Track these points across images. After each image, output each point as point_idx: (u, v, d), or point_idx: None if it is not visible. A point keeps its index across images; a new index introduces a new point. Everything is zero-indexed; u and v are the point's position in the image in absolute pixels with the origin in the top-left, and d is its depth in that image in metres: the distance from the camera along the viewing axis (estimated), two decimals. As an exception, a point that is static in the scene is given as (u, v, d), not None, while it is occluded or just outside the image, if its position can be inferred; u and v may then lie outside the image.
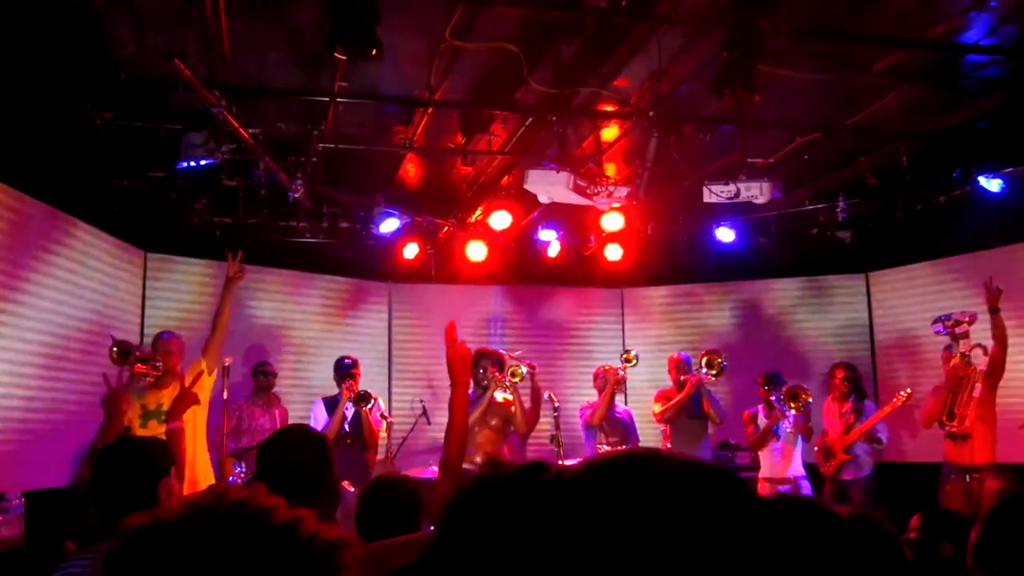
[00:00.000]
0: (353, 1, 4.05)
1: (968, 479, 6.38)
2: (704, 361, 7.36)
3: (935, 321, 7.04)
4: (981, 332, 6.70)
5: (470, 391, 6.40)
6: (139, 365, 5.45)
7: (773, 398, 7.28)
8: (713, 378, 7.34)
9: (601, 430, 7.20)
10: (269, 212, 7.71)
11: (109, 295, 7.14)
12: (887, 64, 5.86)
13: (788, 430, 7.25)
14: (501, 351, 6.80)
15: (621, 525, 0.74)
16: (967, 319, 6.69)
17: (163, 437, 4.69)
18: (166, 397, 5.39)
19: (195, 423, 5.55)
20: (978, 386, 6.51)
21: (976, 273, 7.77)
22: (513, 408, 6.46)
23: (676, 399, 7.33)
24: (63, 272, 6.45)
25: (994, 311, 6.48)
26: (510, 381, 6.51)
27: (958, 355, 6.58)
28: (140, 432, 5.26)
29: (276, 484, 2.46)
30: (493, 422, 6.45)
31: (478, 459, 6.43)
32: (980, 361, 6.54)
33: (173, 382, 5.57)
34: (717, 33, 4.86)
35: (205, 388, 5.66)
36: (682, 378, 7.48)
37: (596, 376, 7.53)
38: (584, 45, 5.32)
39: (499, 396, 6.48)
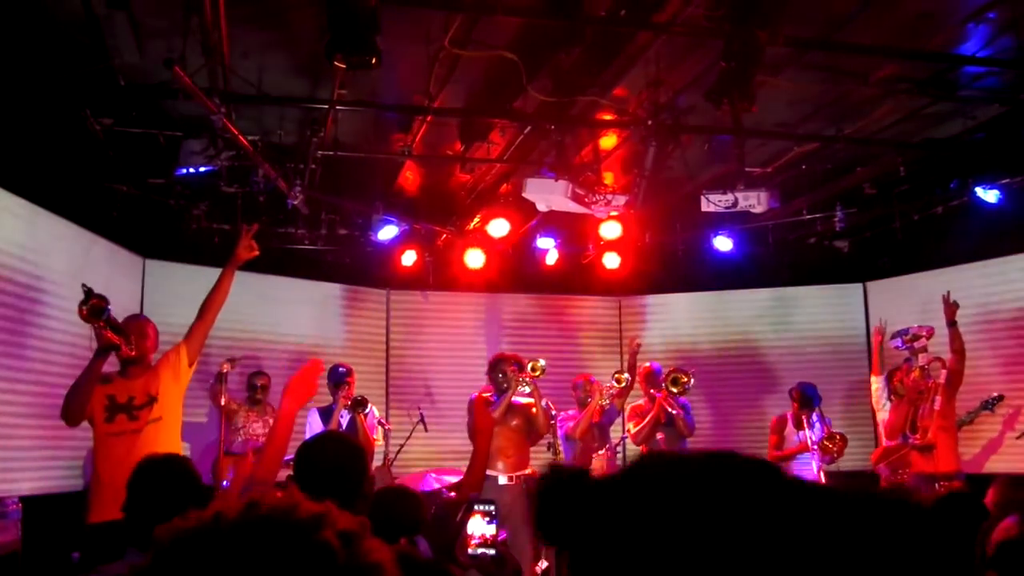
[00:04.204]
0: (353, 10, 4.07)
1: (937, 487, 6.46)
2: (670, 379, 7.34)
3: (894, 336, 7.09)
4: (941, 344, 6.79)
5: (491, 395, 6.48)
6: (111, 333, 4.51)
7: (809, 419, 7.24)
8: (676, 394, 7.32)
9: (582, 439, 7.21)
10: (268, 219, 7.71)
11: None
12: (885, 75, 5.89)
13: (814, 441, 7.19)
14: (519, 355, 6.78)
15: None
16: (925, 333, 6.77)
17: (132, 435, 4.49)
18: (139, 389, 4.63)
19: (173, 419, 4.75)
20: (938, 399, 6.62)
21: (973, 284, 7.80)
22: (534, 409, 6.46)
23: (646, 420, 7.32)
24: (61, 278, 6.44)
25: (951, 325, 6.58)
26: (530, 376, 6.49)
27: (917, 369, 6.65)
28: (105, 427, 4.55)
29: (313, 488, 2.47)
30: (514, 423, 6.45)
31: (499, 463, 6.41)
32: (938, 374, 6.64)
33: (146, 373, 4.73)
34: (715, 43, 4.88)
35: (183, 380, 4.82)
36: (652, 391, 7.46)
37: (575, 386, 7.52)
38: (583, 54, 5.33)
39: (521, 398, 6.49)
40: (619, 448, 7.92)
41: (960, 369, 6.62)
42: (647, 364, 7.73)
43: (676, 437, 7.30)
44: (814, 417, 7.32)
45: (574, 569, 0.87)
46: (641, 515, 0.82)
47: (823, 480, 7.11)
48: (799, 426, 7.35)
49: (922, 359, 6.71)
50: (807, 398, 7.31)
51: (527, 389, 6.46)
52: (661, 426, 7.30)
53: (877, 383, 7.47)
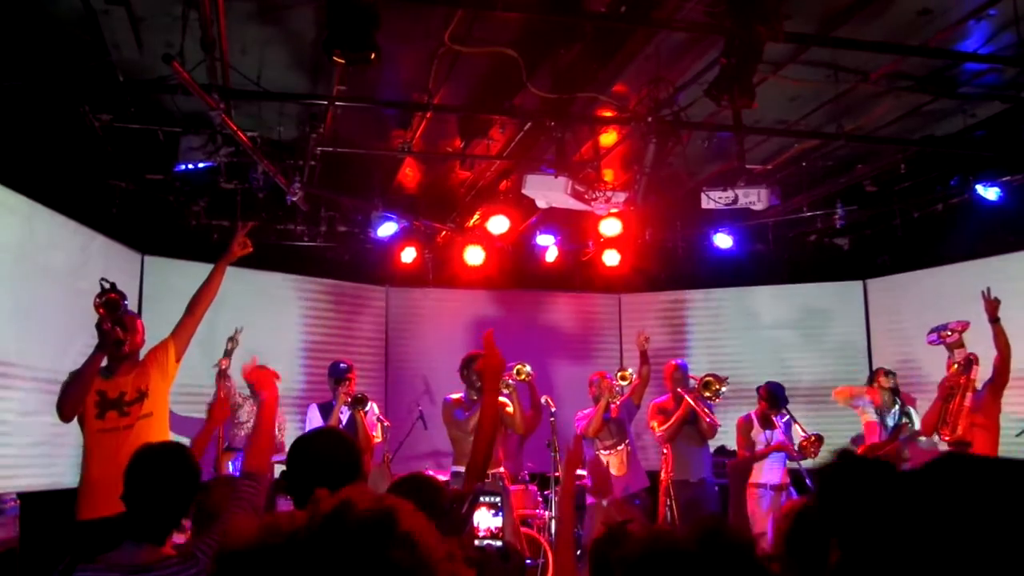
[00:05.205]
0: (352, 5, 4.05)
1: None
2: (703, 384, 7.25)
3: (931, 331, 7.08)
4: (987, 342, 6.74)
5: (463, 395, 6.46)
6: (119, 330, 4.52)
7: (776, 418, 7.25)
8: (708, 399, 7.25)
9: (597, 436, 7.19)
10: (267, 215, 7.71)
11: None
12: (885, 71, 5.87)
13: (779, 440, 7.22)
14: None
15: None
16: (959, 328, 6.72)
17: (124, 431, 4.46)
18: (129, 385, 4.58)
19: (162, 414, 4.69)
20: (968, 395, 6.56)
21: (973, 281, 7.78)
22: (510, 409, 6.41)
23: (674, 418, 7.20)
24: (59, 274, 6.43)
25: (994, 321, 6.48)
26: (515, 380, 6.46)
27: (954, 365, 6.61)
28: (97, 424, 4.49)
29: (304, 484, 2.44)
30: None
31: None
32: (973, 370, 6.58)
33: (135, 368, 4.66)
34: (715, 39, 4.87)
35: (170, 375, 4.76)
36: (679, 391, 7.36)
37: (591, 383, 7.47)
38: (583, 50, 5.32)
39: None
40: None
41: (1005, 368, 6.47)
42: (674, 361, 7.62)
43: (695, 435, 7.25)
44: (780, 417, 7.29)
45: (853, 552, 0.95)
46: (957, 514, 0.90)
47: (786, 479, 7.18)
48: (766, 425, 7.31)
49: (958, 354, 6.65)
50: (775, 397, 7.25)
51: (506, 391, 6.42)
52: (683, 424, 7.26)
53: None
